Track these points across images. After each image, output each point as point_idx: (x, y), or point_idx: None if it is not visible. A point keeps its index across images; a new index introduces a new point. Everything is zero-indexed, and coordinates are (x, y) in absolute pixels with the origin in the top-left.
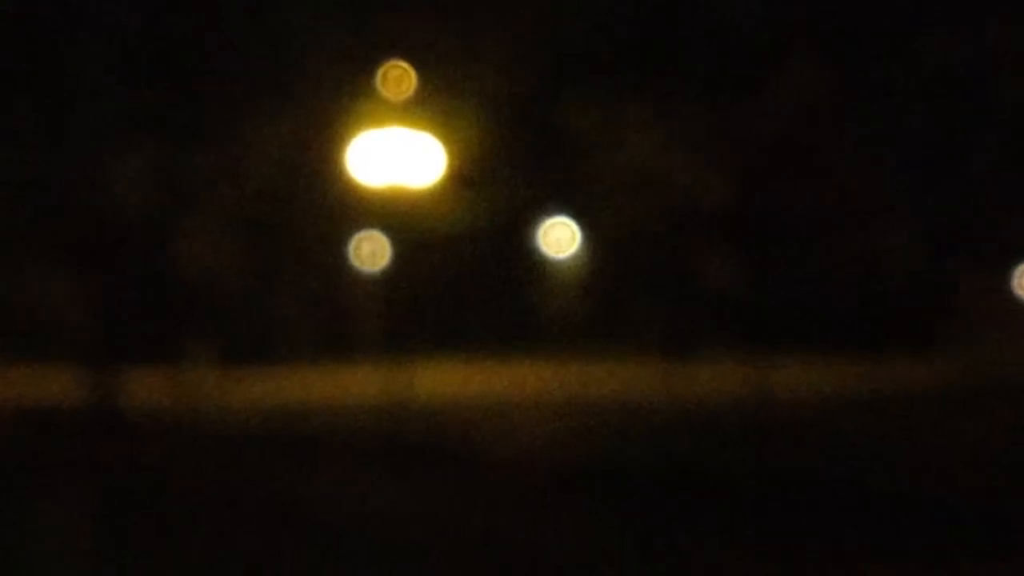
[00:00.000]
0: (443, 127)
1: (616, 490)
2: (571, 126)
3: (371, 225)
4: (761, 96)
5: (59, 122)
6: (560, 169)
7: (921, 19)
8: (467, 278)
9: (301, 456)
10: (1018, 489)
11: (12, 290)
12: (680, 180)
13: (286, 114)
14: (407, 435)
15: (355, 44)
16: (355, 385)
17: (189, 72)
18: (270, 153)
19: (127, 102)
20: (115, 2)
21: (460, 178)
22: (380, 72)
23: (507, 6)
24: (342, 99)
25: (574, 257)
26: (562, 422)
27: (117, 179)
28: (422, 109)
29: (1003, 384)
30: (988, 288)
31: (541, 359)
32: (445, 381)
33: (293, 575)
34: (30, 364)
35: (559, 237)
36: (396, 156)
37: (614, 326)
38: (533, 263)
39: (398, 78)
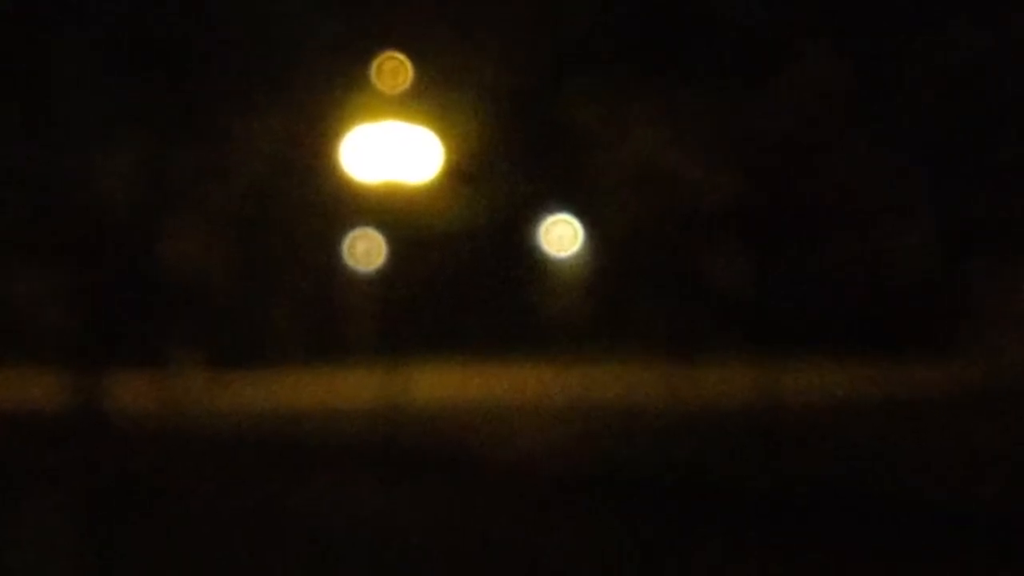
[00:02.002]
0: (440, 121)
1: (620, 497)
2: (573, 120)
3: (366, 223)
4: (770, 90)
5: (41, 117)
6: (562, 165)
7: (935, 11)
8: (465, 277)
9: (293, 462)
10: None
11: None
12: (686, 177)
13: (277, 108)
14: (403, 440)
15: (349, 35)
16: (349, 389)
17: (176, 65)
18: (260, 148)
19: (112, 96)
20: None
21: (458, 174)
22: (375, 64)
23: None
24: (335, 92)
25: (576, 256)
26: (564, 427)
27: (102, 176)
28: (419, 102)
29: (1021, 388)
30: (1006, 289)
31: (542, 362)
32: (442, 384)
33: None
34: (12, 367)
35: (561, 235)
36: (392, 151)
37: (617, 327)
38: (534, 262)
39: (394, 70)
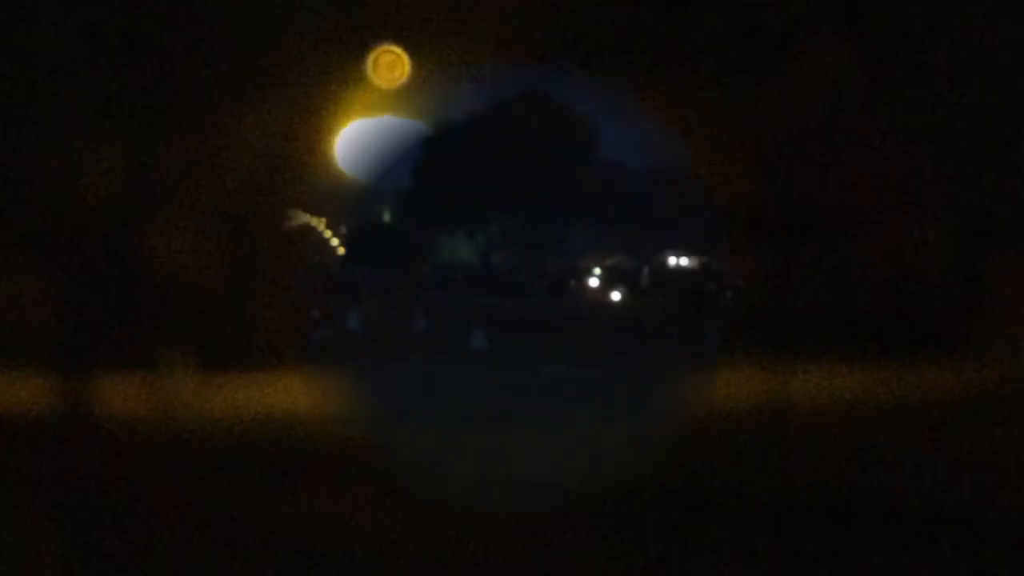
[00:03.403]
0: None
1: (623, 504)
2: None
3: None
4: (781, 82)
5: (21, 109)
6: None
7: (953, 2)
8: None
9: (286, 468)
10: None
11: None
12: (692, 173)
13: (270, 102)
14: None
15: (344, 27)
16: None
17: (164, 55)
18: (252, 144)
19: (96, 87)
20: None
21: None
22: (371, 58)
23: None
24: (330, 86)
25: None
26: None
27: (86, 171)
28: (416, 97)
29: None
30: (1023, 290)
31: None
32: None
33: None
34: None
35: None
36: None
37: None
38: None
39: (390, 64)
